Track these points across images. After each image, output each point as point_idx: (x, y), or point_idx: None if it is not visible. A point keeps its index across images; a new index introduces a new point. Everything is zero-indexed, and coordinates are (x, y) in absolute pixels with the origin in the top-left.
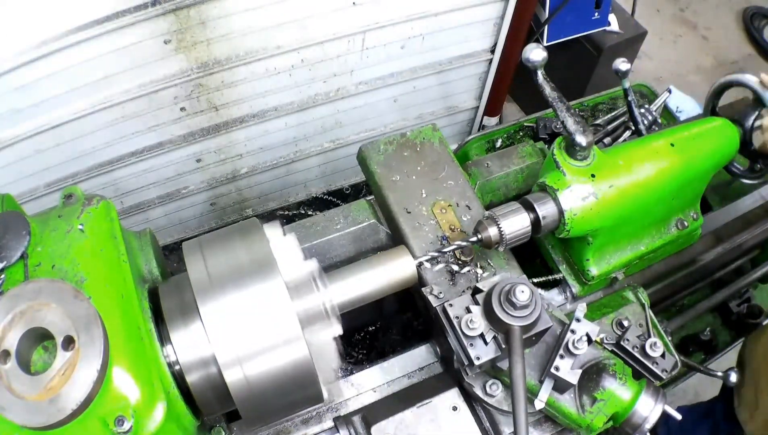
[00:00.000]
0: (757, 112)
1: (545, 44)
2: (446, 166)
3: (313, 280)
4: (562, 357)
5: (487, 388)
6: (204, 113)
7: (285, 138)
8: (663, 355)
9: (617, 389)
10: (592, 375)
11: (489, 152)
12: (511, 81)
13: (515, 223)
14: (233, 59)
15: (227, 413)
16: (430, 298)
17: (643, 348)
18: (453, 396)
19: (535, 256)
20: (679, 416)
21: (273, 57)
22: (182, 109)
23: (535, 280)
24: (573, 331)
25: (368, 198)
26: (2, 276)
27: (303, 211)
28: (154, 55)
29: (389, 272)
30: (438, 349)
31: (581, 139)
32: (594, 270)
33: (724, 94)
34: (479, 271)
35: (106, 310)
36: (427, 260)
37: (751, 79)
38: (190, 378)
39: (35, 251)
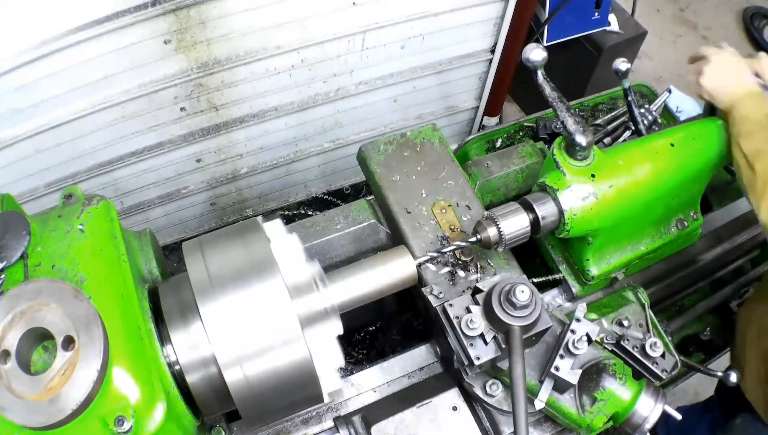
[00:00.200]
0: None
1: (545, 44)
2: (446, 166)
3: (313, 280)
4: (562, 357)
5: (487, 388)
6: (204, 113)
7: (285, 138)
8: (663, 355)
9: (617, 389)
10: (592, 375)
11: (489, 152)
12: (511, 81)
13: (514, 224)
14: (233, 59)
15: (227, 413)
16: (430, 298)
17: (643, 348)
18: (453, 396)
19: (535, 256)
20: (679, 416)
21: (273, 57)
22: (182, 109)
23: (535, 280)
24: (573, 331)
25: (368, 198)
26: (2, 276)
27: (303, 211)
28: (154, 55)
29: (389, 272)
30: (438, 349)
31: (581, 139)
32: (594, 270)
33: None
34: (479, 271)
35: (106, 310)
36: (427, 260)
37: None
38: (190, 378)
39: (35, 251)
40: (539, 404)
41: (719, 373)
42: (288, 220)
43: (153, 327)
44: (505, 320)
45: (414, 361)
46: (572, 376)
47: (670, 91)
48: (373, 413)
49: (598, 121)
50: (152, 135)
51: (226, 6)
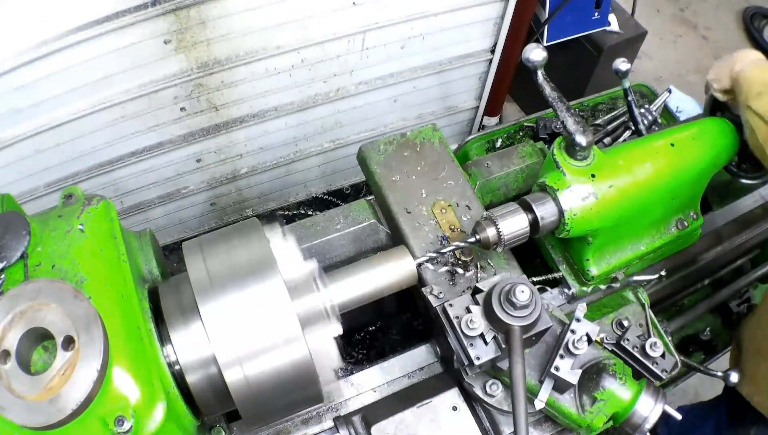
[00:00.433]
0: None
1: (545, 44)
2: (446, 166)
3: (313, 280)
4: (562, 357)
5: (487, 388)
6: (204, 113)
7: (285, 138)
8: (663, 355)
9: (617, 389)
10: (592, 375)
11: (489, 152)
12: (511, 81)
13: (513, 224)
14: (233, 59)
15: (227, 413)
16: (430, 298)
17: (643, 348)
18: (453, 396)
19: (535, 256)
20: (679, 416)
21: (273, 57)
22: (182, 109)
23: (534, 279)
24: (573, 331)
25: (368, 198)
26: (2, 276)
27: (303, 211)
28: (154, 55)
29: (389, 272)
30: (438, 349)
31: (581, 139)
32: (594, 270)
33: None
34: (479, 271)
35: (106, 310)
36: (426, 260)
37: None
38: (190, 378)
39: (35, 251)
40: (539, 404)
41: (719, 373)
42: (288, 220)
43: (153, 327)
44: (505, 320)
45: (414, 361)
46: (572, 376)
47: (670, 91)
48: (373, 413)
49: (598, 121)
50: (152, 135)
51: (226, 6)
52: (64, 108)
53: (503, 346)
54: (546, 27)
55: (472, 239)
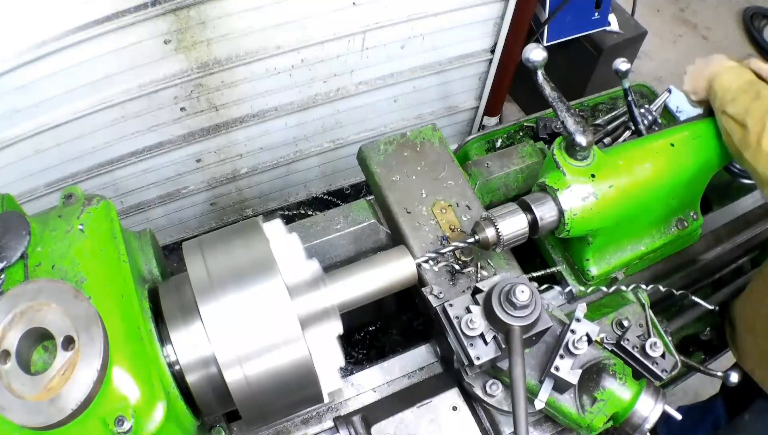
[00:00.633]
0: None
1: (545, 44)
2: (446, 166)
3: (313, 279)
4: (562, 357)
5: (487, 388)
6: (204, 113)
7: (285, 138)
8: (663, 355)
9: (617, 389)
10: (592, 375)
11: (489, 152)
12: (511, 81)
13: (512, 224)
14: (233, 59)
15: (227, 413)
16: (430, 298)
17: (643, 348)
18: (453, 396)
19: (535, 255)
20: (679, 416)
21: (273, 57)
22: (182, 109)
23: (534, 275)
24: (573, 331)
25: (368, 198)
26: (2, 276)
27: (303, 211)
28: (154, 55)
29: (389, 272)
30: (438, 349)
31: (581, 139)
32: (594, 270)
33: None
34: (479, 271)
35: (106, 310)
36: (426, 260)
37: None
38: (190, 378)
39: (35, 251)
40: (539, 404)
41: (719, 373)
42: (288, 220)
43: (153, 327)
44: (505, 320)
45: (414, 361)
46: (572, 376)
47: (670, 91)
48: (373, 413)
49: (598, 121)
50: (152, 135)
51: (226, 6)
52: (64, 108)
53: (503, 346)
54: (546, 27)
55: (471, 239)
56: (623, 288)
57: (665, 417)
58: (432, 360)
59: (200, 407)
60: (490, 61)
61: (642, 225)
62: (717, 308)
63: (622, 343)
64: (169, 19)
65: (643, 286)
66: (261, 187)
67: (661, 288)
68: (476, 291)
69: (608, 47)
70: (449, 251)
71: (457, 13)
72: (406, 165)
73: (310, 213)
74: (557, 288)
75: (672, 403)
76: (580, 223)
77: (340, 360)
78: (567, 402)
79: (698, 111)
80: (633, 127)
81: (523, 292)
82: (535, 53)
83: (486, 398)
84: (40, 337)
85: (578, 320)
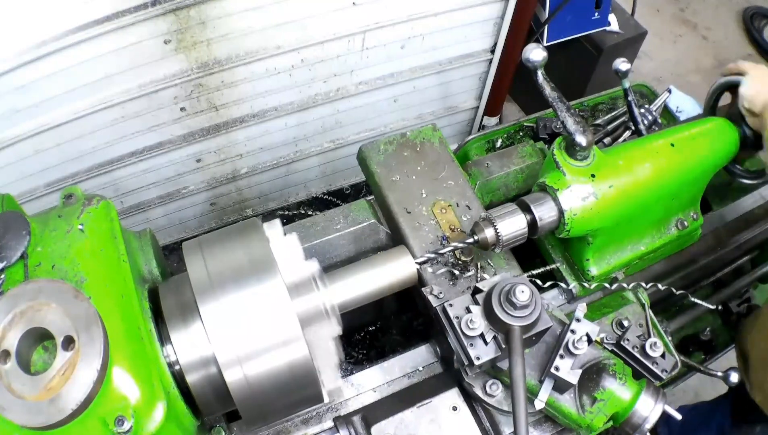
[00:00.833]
0: None
1: (545, 44)
2: (446, 166)
3: (313, 280)
4: (562, 357)
5: (487, 388)
6: (204, 113)
7: (285, 138)
8: (663, 355)
9: (617, 389)
10: (592, 375)
11: (489, 152)
12: (511, 81)
13: (512, 225)
14: (233, 59)
15: (227, 413)
16: (430, 298)
17: (643, 348)
18: (453, 396)
19: (535, 255)
20: (679, 416)
21: (273, 57)
22: (182, 109)
23: (534, 272)
24: (573, 331)
25: (368, 198)
26: (2, 276)
27: (303, 211)
28: (154, 55)
29: (389, 272)
30: (438, 349)
31: (581, 139)
32: (594, 270)
33: (724, 93)
34: (479, 271)
35: (106, 310)
36: (426, 260)
37: None
38: (190, 378)
39: (35, 251)
40: (539, 404)
41: (719, 373)
42: (288, 220)
43: (153, 327)
44: (505, 320)
45: (414, 361)
46: (572, 376)
47: (670, 91)
48: (373, 413)
49: (598, 121)
50: (152, 135)
51: (226, 6)
52: (64, 108)
53: (503, 346)
54: (546, 27)
55: (471, 240)
56: (624, 286)
57: (665, 417)
58: (432, 360)
59: (200, 407)
60: (490, 61)
61: (642, 225)
62: (719, 307)
63: (622, 343)
64: (169, 19)
65: (643, 286)
66: (261, 187)
67: (660, 288)
68: (476, 291)
69: (608, 47)
70: (449, 251)
71: (457, 13)
72: (406, 165)
73: (310, 213)
74: (558, 288)
75: (672, 403)
76: (580, 223)
77: (340, 360)
78: (567, 402)
79: (698, 111)
80: (633, 127)
81: (523, 292)
82: (535, 53)
83: (486, 398)
84: (40, 337)
85: (578, 320)
